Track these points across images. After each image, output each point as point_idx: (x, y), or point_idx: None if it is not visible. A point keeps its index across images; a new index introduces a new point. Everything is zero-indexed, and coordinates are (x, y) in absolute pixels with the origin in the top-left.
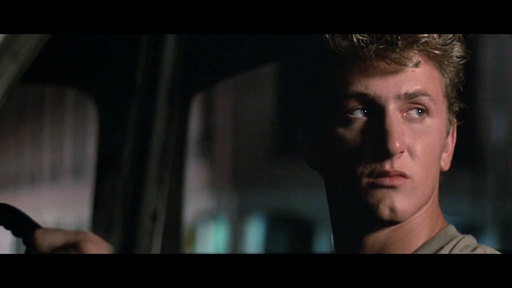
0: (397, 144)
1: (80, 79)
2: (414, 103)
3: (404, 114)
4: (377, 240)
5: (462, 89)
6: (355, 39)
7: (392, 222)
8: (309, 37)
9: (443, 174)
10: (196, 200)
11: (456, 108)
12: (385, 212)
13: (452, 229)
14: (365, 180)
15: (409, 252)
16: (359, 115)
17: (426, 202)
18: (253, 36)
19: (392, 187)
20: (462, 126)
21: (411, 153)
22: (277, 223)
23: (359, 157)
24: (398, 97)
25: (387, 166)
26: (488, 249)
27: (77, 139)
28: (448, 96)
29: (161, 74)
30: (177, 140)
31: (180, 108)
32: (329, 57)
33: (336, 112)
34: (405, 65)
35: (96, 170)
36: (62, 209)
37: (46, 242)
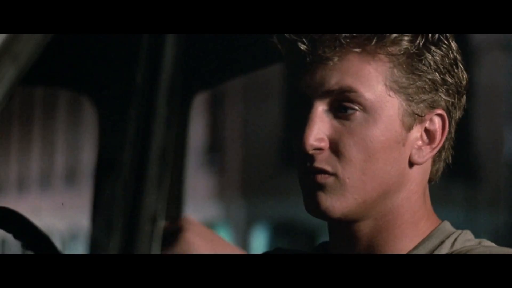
0: (310, 142)
1: (79, 81)
2: (341, 100)
3: (333, 109)
4: (363, 233)
5: (430, 80)
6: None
7: (322, 218)
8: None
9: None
10: (203, 209)
11: (428, 100)
12: (312, 208)
13: (448, 225)
14: (300, 177)
15: (399, 249)
16: (297, 113)
17: (383, 199)
18: (255, 36)
19: (318, 184)
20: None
21: (336, 150)
22: (284, 233)
23: (298, 155)
24: (323, 93)
25: (307, 163)
26: (488, 242)
27: (76, 143)
28: (401, 89)
29: (161, 76)
30: (176, 143)
31: (180, 111)
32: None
33: (292, 111)
34: (330, 59)
35: (96, 173)
36: (55, 214)
37: None
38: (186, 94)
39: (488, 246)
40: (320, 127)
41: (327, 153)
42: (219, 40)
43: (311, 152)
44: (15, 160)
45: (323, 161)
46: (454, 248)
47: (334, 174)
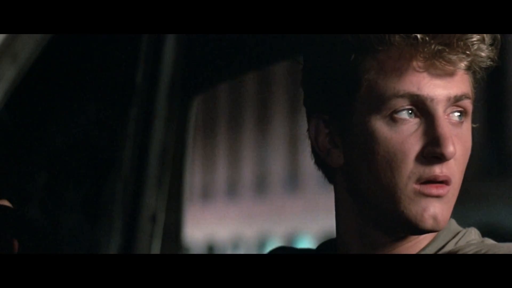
0: (452, 148)
1: (79, 81)
2: (457, 106)
3: (446, 117)
4: (383, 247)
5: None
6: (419, 37)
7: (431, 231)
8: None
9: None
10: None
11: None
12: (428, 222)
13: (454, 224)
14: (410, 186)
15: (416, 252)
16: (405, 116)
17: None
18: (255, 36)
19: (438, 194)
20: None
21: (455, 158)
22: None
23: (404, 160)
24: (448, 99)
25: (437, 170)
26: (490, 240)
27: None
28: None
29: (161, 75)
30: (176, 143)
31: (180, 111)
32: (367, 52)
33: (378, 110)
34: (459, 67)
35: (96, 173)
36: (243, 222)
37: None
38: (186, 94)
39: (485, 244)
40: (451, 134)
41: (451, 161)
42: (219, 40)
43: (448, 159)
44: (202, 168)
45: (450, 169)
46: (456, 247)
47: (452, 184)
